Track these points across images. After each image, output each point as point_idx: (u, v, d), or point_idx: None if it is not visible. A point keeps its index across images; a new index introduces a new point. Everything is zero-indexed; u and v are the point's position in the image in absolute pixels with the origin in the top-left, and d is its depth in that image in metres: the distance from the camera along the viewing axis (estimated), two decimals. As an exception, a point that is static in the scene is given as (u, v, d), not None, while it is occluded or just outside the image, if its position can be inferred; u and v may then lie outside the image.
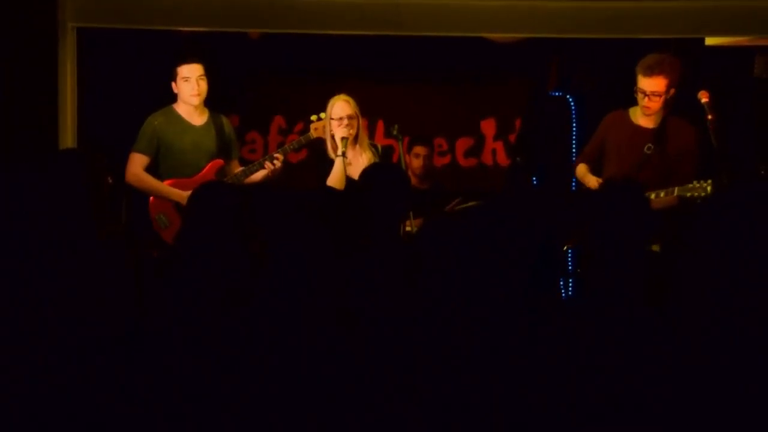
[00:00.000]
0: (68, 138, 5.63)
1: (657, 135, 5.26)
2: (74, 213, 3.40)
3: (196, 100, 5.54)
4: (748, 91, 6.63)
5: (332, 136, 5.46)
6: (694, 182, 5.00)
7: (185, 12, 5.72)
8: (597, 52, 6.60)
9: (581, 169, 5.54)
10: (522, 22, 5.87)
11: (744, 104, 6.59)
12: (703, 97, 5.18)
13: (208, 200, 3.40)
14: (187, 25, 5.98)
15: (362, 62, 7.03)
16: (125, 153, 5.56)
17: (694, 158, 5.26)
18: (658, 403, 2.39)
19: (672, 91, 5.19)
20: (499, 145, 7.51)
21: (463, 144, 7.52)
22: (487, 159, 7.52)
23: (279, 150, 5.73)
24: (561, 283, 4.99)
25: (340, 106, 5.46)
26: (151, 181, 5.55)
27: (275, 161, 5.57)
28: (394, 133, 5.61)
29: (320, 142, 5.59)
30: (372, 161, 5.41)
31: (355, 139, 5.48)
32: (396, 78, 7.26)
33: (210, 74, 5.56)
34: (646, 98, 5.19)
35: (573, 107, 6.66)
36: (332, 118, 5.46)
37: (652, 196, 4.89)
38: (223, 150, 5.63)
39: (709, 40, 6.18)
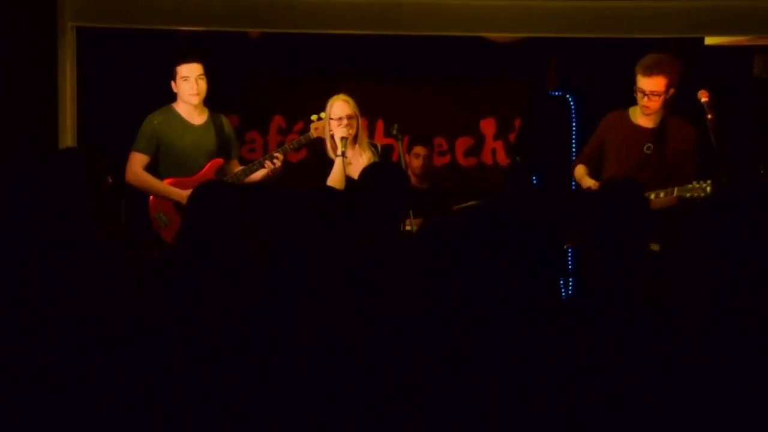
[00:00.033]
0: (68, 138, 5.62)
1: (656, 135, 5.26)
2: (74, 213, 3.40)
3: (196, 100, 5.54)
4: (747, 91, 6.64)
5: (332, 136, 5.46)
6: (694, 182, 5.00)
7: (185, 12, 5.72)
8: (596, 51, 6.61)
9: (579, 171, 5.54)
10: (521, 22, 5.87)
11: (744, 104, 6.59)
12: (703, 97, 5.17)
13: (208, 199, 3.40)
14: (186, 25, 5.98)
15: (362, 62, 7.02)
16: (125, 153, 5.56)
17: (693, 158, 5.26)
18: (658, 403, 2.39)
19: (671, 90, 5.19)
20: (498, 145, 7.51)
21: (462, 144, 7.51)
22: (486, 159, 7.52)
23: (279, 149, 5.73)
24: (561, 283, 4.99)
25: (340, 106, 5.46)
26: (151, 181, 5.55)
27: (275, 161, 5.57)
28: (394, 132, 5.59)
29: (320, 142, 5.59)
30: (372, 161, 5.40)
31: (355, 138, 5.47)
32: (396, 78, 7.26)
33: (209, 74, 5.56)
34: (646, 98, 5.19)
35: (572, 107, 6.66)
36: (332, 118, 5.45)
37: (652, 196, 4.88)
38: (223, 149, 5.63)
39: (709, 40, 6.18)
